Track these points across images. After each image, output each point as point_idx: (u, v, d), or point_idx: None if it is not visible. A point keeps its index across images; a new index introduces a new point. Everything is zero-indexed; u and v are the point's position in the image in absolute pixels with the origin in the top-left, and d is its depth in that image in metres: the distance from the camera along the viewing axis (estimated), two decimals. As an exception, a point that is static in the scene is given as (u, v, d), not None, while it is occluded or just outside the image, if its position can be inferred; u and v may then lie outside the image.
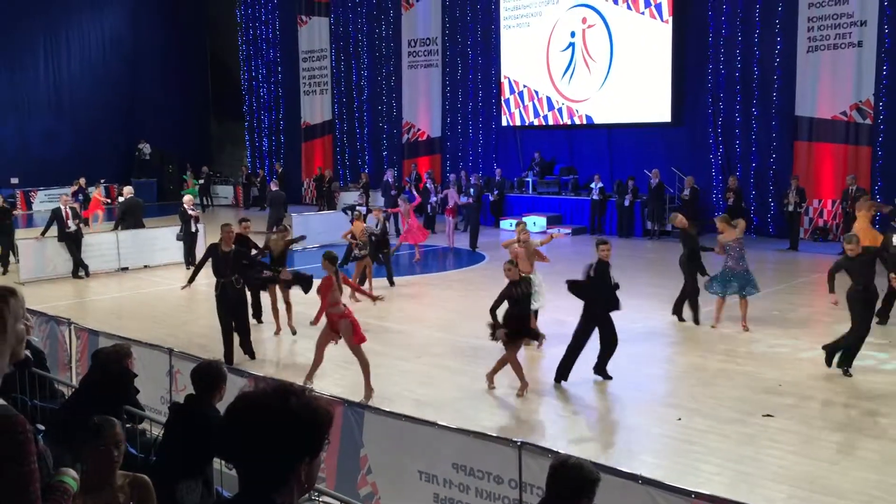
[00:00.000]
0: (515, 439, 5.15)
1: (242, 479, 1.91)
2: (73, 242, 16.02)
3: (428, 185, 23.06)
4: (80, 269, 16.06)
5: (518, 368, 8.71)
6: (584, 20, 22.75)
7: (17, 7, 29.70)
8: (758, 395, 8.57)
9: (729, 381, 9.09)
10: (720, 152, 20.83)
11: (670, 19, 21.01)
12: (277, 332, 11.48)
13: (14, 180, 29.45)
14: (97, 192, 23.75)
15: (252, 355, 10.24)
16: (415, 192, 21.13)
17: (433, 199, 22.30)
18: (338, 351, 10.82)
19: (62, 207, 16.10)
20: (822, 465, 6.83)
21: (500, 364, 8.81)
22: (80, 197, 23.18)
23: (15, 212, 20.26)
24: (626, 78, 21.94)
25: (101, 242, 17.22)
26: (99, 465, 3.81)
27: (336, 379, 9.65)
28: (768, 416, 7.92)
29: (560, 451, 5.11)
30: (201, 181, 30.49)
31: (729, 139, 20.71)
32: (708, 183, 20.79)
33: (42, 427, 5.10)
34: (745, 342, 10.61)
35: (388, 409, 6.08)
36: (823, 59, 18.73)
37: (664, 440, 7.55)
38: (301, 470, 1.88)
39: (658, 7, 21.19)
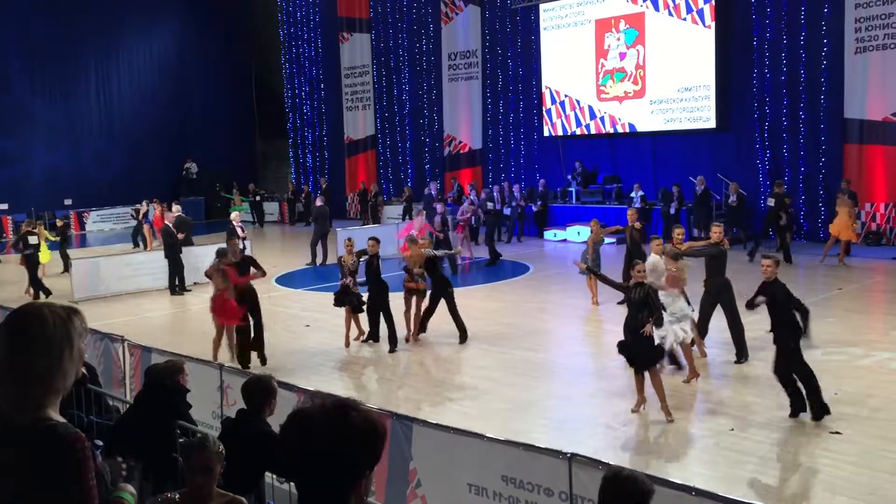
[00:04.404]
0: (565, 451, 5.10)
1: (303, 496, 1.91)
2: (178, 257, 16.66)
3: (472, 197, 23.03)
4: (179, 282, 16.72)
5: (641, 384, 8.33)
6: (625, 28, 22.62)
7: (70, 37, 30.56)
8: (813, 405, 8.36)
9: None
10: (767, 157, 20.50)
11: (713, 24, 20.77)
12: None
13: (68, 201, 30.23)
14: (157, 210, 23.95)
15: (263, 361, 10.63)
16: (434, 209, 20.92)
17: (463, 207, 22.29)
18: (387, 368, 10.89)
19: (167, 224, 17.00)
20: (883, 476, 6.63)
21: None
22: (150, 218, 23.29)
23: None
24: (669, 85, 21.74)
25: (151, 260, 17.57)
26: (195, 484, 3.84)
27: (385, 393, 9.70)
28: (836, 433, 7.63)
29: (611, 462, 5.06)
30: (250, 199, 30.91)
31: (776, 144, 20.37)
32: (756, 189, 20.44)
33: (100, 443, 5.19)
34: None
35: (436, 422, 6.08)
36: (873, 59, 18.32)
37: (717, 450, 7.41)
38: (360, 483, 1.90)
39: (700, 13, 20.97)
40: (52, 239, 19.39)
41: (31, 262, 16.49)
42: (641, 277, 8.38)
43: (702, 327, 10.26)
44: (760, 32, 20.27)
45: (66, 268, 17.71)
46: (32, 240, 16.64)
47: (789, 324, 7.93)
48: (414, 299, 11.66)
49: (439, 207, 20.08)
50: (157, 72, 33.87)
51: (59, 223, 20.66)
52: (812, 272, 16.10)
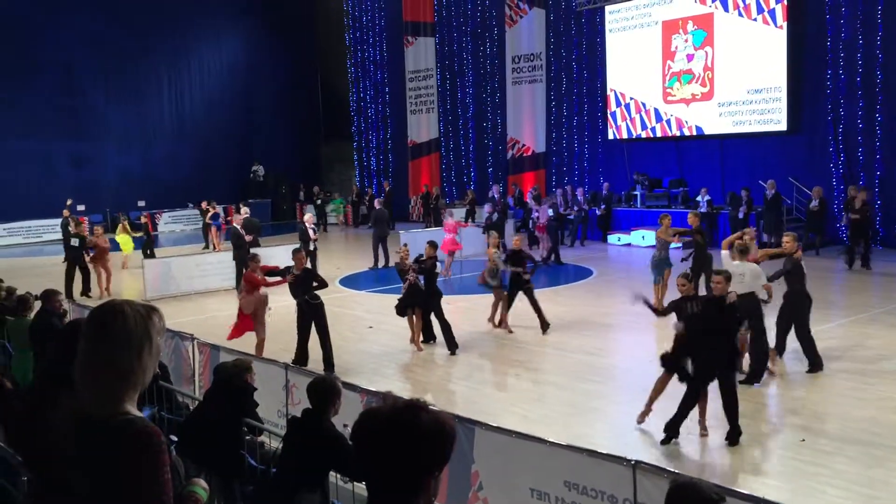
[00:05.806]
0: (629, 458, 5.04)
1: (372, 495, 1.93)
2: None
3: (529, 201, 22.94)
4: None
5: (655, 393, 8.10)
6: (693, 29, 22.24)
7: (142, 42, 31.57)
8: (889, 416, 8.09)
9: (856, 400, 8.63)
10: (842, 161, 19.88)
11: (785, 25, 20.25)
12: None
13: (141, 203, 31.16)
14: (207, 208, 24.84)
15: (331, 368, 10.43)
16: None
17: (534, 214, 22.20)
18: (448, 370, 10.91)
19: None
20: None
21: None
22: (219, 221, 24.39)
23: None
24: (738, 87, 21.28)
25: (220, 261, 17.97)
26: None
27: (446, 395, 9.73)
28: None
29: (676, 470, 4.98)
30: (318, 201, 31.28)
31: (851, 147, 19.74)
32: (829, 193, 19.83)
33: (174, 438, 5.33)
34: (874, 360, 10.05)
35: (497, 425, 6.07)
36: (954, 59, 17.65)
37: (787, 461, 7.22)
38: (429, 484, 1.91)
39: (772, 13, 20.47)
40: (136, 235, 21.25)
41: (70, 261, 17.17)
42: (686, 291, 8.20)
43: (780, 343, 9.85)
44: (835, 33, 19.67)
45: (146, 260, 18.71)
46: (74, 242, 17.26)
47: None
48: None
49: (487, 208, 20.11)
50: (226, 76, 34.68)
51: (142, 220, 22.56)
52: (890, 280, 15.57)
